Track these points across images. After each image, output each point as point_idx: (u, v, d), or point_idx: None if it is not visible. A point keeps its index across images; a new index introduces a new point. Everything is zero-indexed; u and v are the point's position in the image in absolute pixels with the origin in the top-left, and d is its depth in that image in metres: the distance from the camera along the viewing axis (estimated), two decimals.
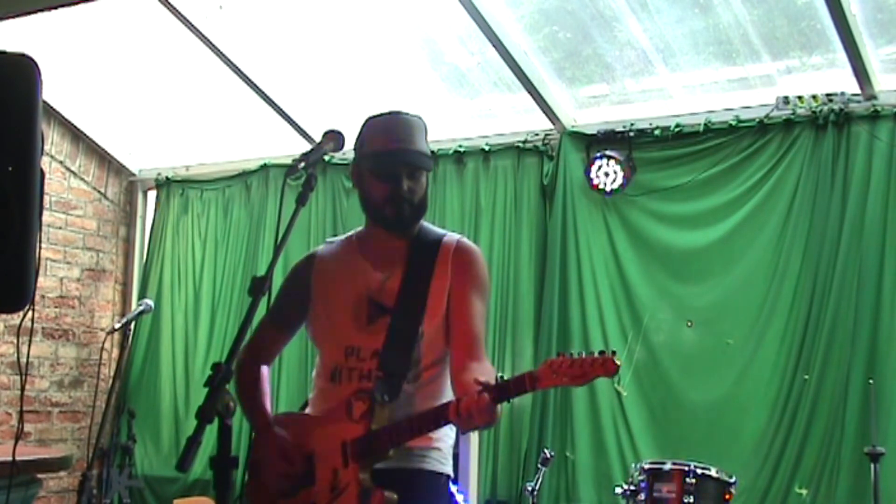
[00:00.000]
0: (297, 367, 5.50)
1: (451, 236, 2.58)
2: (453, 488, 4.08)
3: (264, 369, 2.65)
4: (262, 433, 2.48)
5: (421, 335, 2.42)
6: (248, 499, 2.41)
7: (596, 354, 2.08)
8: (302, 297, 2.59)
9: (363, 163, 2.51)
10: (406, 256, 2.51)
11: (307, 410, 2.56)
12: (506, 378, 2.17)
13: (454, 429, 2.48)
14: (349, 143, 2.48)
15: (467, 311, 2.45)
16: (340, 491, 2.30)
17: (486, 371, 2.29)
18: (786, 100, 4.47)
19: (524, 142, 5.13)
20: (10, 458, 2.72)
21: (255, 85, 5.40)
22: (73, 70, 5.42)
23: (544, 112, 4.98)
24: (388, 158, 2.47)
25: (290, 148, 5.60)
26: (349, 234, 2.67)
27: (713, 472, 3.66)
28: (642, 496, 3.70)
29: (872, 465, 3.65)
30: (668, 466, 3.71)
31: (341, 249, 2.63)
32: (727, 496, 3.66)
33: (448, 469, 2.50)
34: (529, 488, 4.03)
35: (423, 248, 2.53)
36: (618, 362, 2.06)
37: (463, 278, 2.48)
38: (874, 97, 4.32)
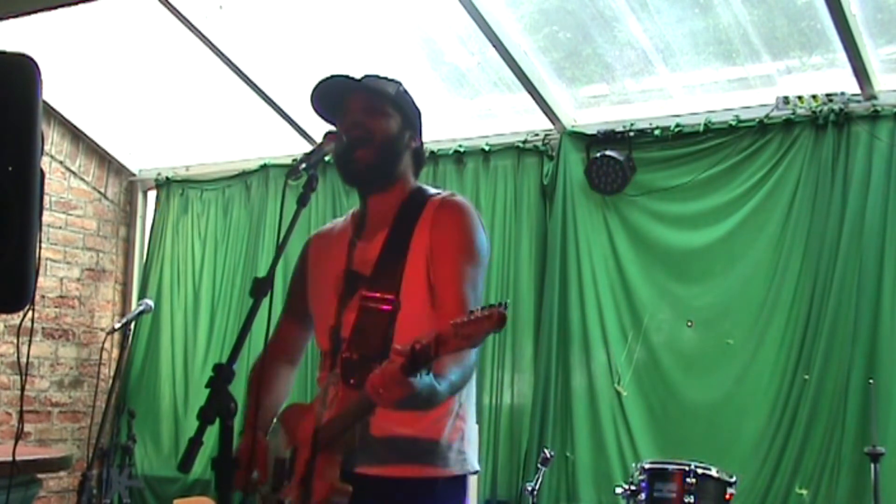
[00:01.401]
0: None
1: (441, 194, 2.31)
2: None
3: (285, 368, 2.49)
4: (244, 435, 2.30)
5: (398, 307, 2.16)
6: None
7: (485, 310, 1.76)
8: (304, 283, 2.43)
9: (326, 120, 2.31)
10: (392, 219, 2.27)
11: None
12: (422, 344, 1.83)
13: (465, 419, 2.26)
14: None
15: (451, 277, 2.16)
16: (308, 484, 2.10)
17: None
18: (786, 100, 4.47)
19: (524, 142, 5.13)
20: (10, 458, 2.72)
21: (255, 85, 5.40)
22: (73, 70, 5.42)
23: (544, 112, 4.98)
24: (333, 87, 2.28)
25: (290, 148, 5.60)
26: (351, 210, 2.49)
27: (713, 472, 3.65)
28: (642, 496, 3.70)
29: (872, 465, 3.64)
30: (668, 466, 3.71)
31: (336, 225, 2.46)
32: (727, 496, 3.65)
33: (451, 468, 2.23)
34: (529, 488, 4.03)
35: (410, 209, 2.26)
36: (504, 313, 1.73)
37: (445, 238, 2.20)
38: (874, 97, 4.32)
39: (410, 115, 2.36)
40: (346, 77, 2.32)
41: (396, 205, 2.29)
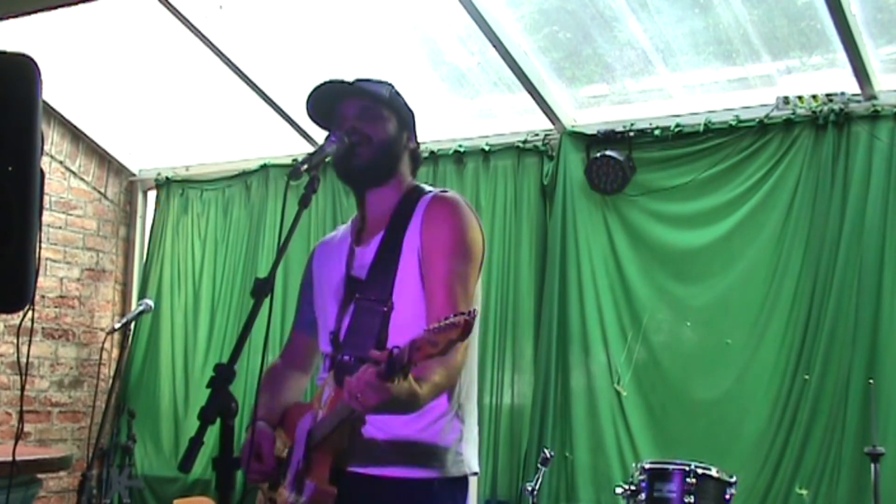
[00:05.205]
0: None
1: (434, 191, 2.29)
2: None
3: (296, 374, 2.50)
4: (249, 429, 2.28)
5: (390, 308, 2.14)
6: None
7: (456, 317, 1.74)
8: (311, 292, 2.44)
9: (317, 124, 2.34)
10: (388, 221, 2.26)
11: None
12: (399, 349, 1.81)
13: (463, 420, 2.24)
14: None
15: (441, 276, 2.13)
16: (301, 483, 2.11)
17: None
18: (786, 100, 4.47)
19: (524, 142, 5.13)
20: (10, 458, 2.72)
21: (255, 85, 5.40)
22: (73, 70, 5.42)
23: (544, 112, 4.98)
24: (326, 93, 2.28)
25: (290, 148, 5.60)
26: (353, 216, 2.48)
27: (714, 472, 3.65)
28: (642, 496, 3.70)
29: (873, 465, 3.64)
30: (668, 466, 3.71)
31: (339, 233, 2.46)
32: (727, 496, 3.65)
33: (449, 469, 2.21)
34: (529, 488, 4.02)
35: (405, 208, 2.25)
36: (470, 321, 1.72)
37: (435, 236, 2.17)
38: (874, 97, 4.32)
39: (405, 117, 2.35)
40: (340, 82, 2.31)
41: (393, 204, 2.28)
